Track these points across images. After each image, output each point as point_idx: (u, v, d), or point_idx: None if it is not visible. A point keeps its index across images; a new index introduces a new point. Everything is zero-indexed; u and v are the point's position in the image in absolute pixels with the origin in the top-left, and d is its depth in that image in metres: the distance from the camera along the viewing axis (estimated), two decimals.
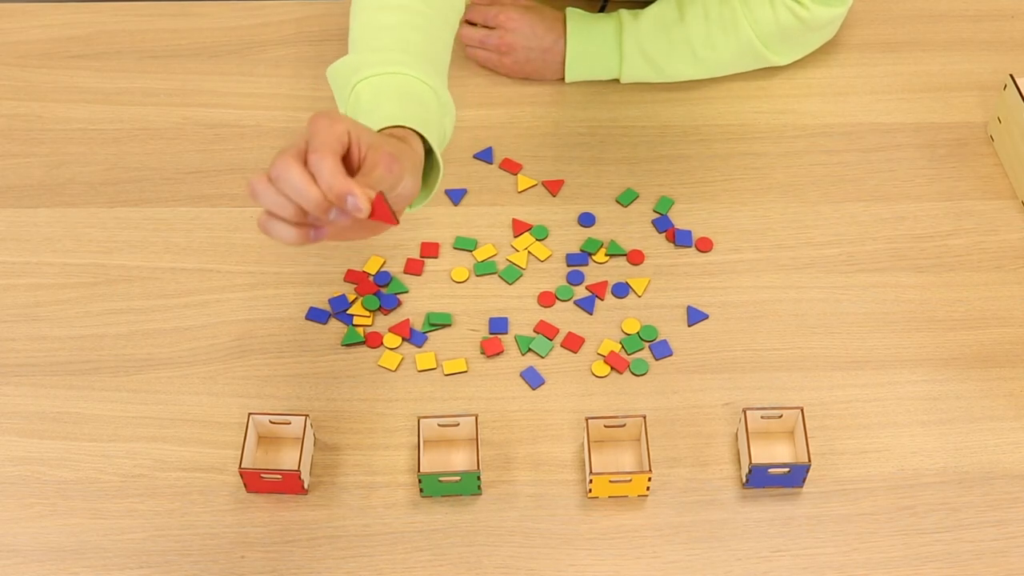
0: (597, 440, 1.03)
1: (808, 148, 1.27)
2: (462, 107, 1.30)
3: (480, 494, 1.01)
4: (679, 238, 1.18)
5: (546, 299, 1.14)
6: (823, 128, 1.29)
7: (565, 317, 1.13)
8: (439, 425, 1.01)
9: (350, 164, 0.83)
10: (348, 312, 1.12)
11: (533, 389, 1.08)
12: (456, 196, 1.22)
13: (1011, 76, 1.22)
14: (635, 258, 1.17)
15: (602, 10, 1.34)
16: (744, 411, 1.01)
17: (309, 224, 0.82)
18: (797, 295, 1.15)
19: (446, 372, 1.09)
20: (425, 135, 0.92)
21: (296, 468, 0.99)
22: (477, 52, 1.33)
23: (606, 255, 1.17)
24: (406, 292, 1.14)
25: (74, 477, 1.02)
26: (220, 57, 1.36)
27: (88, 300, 1.14)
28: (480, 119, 1.29)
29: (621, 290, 1.15)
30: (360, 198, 0.79)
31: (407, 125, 0.92)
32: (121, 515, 1.00)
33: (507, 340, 1.11)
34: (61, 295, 1.14)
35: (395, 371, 1.09)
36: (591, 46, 1.29)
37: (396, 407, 1.07)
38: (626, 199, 1.22)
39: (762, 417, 1.02)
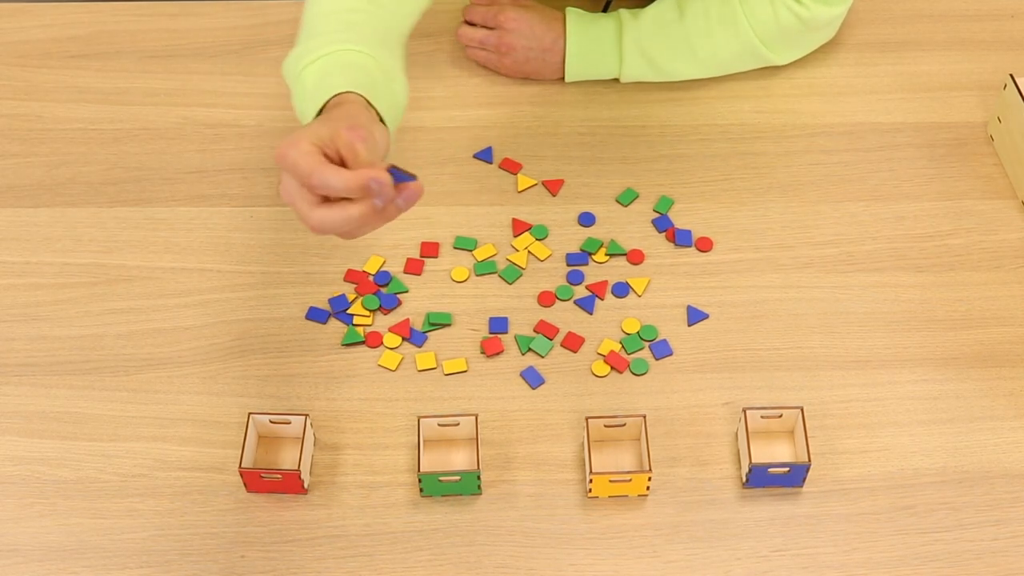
0: (597, 440, 1.03)
1: (808, 148, 1.27)
2: (462, 107, 1.31)
3: (480, 494, 1.01)
4: (679, 238, 1.18)
5: (546, 299, 1.14)
6: (823, 128, 1.29)
7: (565, 317, 1.13)
8: (439, 425, 1.01)
9: (332, 162, 0.87)
10: (348, 312, 1.12)
11: (533, 389, 1.08)
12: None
13: (1011, 76, 1.22)
14: (635, 258, 1.17)
15: (606, 10, 1.34)
16: (744, 411, 1.01)
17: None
18: (797, 295, 1.15)
19: (446, 372, 1.09)
20: (364, 94, 0.95)
21: (296, 468, 0.99)
22: (477, 52, 1.33)
23: (606, 255, 1.17)
24: (406, 292, 1.14)
25: (74, 477, 1.02)
26: (220, 57, 1.36)
27: (88, 300, 1.14)
28: (480, 119, 1.29)
29: (621, 290, 1.15)
30: (377, 175, 0.84)
31: (348, 90, 0.95)
32: (121, 515, 1.00)
33: (507, 340, 1.11)
34: (61, 295, 1.14)
35: (395, 371, 1.09)
36: (591, 46, 1.29)
37: (396, 407, 1.07)
38: (626, 199, 1.22)
39: (762, 417, 1.02)
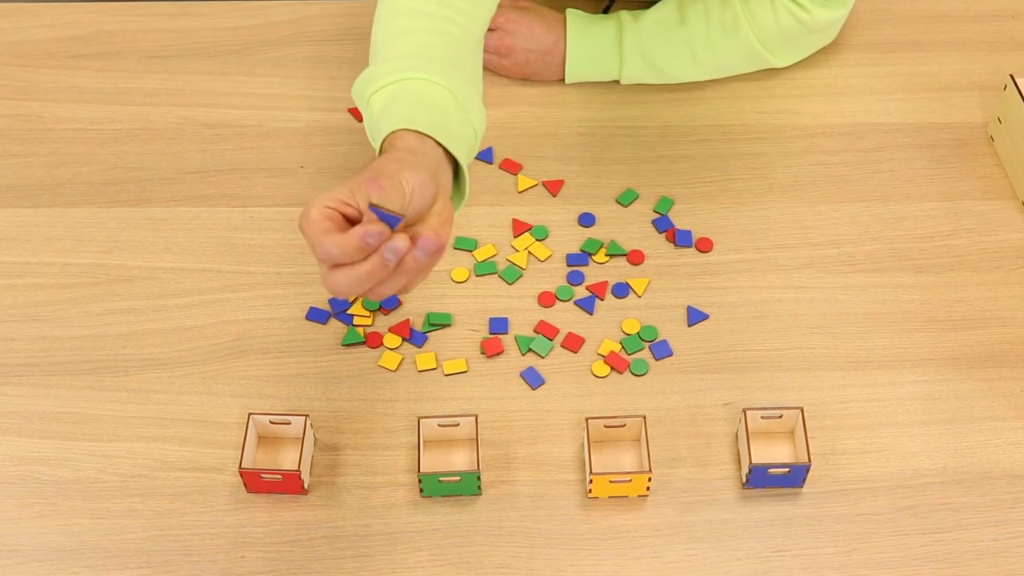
0: (597, 440, 1.03)
1: (808, 148, 1.27)
2: None
3: (480, 494, 1.01)
4: (679, 238, 1.18)
5: (546, 299, 1.14)
6: (823, 128, 1.29)
7: (565, 317, 1.13)
8: (439, 425, 1.01)
9: (356, 222, 0.84)
10: (348, 312, 1.12)
11: (533, 389, 1.08)
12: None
13: (1011, 76, 1.22)
14: (635, 258, 1.17)
15: (607, 11, 1.34)
16: (744, 411, 1.01)
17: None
18: (797, 295, 1.15)
19: (446, 372, 1.09)
20: (434, 135, 0.91)
21: (296, 468, 0.99)
22: None
23: (606, 255, 1.17)
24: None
25: (74, 477, 1.02)
26: (220, 57, 1.36)
27: (88, 300, 1.14)
28: None
29: (621, 290, 1.15)
30: (370, 228, 0.81)
31: (413, 128, 0.91)
32: (121, 515, 1.00)
33: (507, 340, 1.11)
34: (61, 295, 1.14)
35: (395, 371, 1.09)
36: (591, 47, 1.29)
37: (396, 407, 1.07)
38: (626, 199, 1.22)
39: (762, 417, 1.02)
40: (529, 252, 1.18)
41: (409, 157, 0.89)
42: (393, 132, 0.91)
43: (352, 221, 0.84)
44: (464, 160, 0.94)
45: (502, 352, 1.10)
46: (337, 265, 0.83)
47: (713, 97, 1.32)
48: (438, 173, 0.90)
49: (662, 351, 1.10)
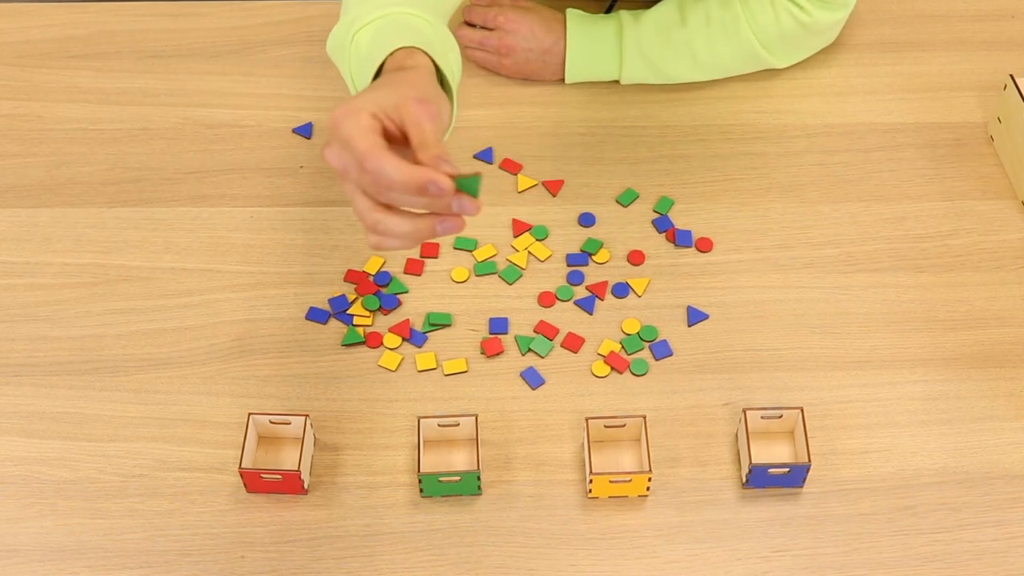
0: (597, 440, 1.03)
1: (808, 148, 1.27)
2: (462, 107, 1.29)
3: (480, 494, 1.01)
4: (679, 238, 1.18)
5: (546, 299, 1.14)
6: (823, 128, 1.29)
7: (565, 317, 1.13)
8: (439, 425, 1.01)
9: (391, 137, 0.81)
10: (348, 312, 1.12)
11: (533, 389, 1.08)
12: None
13: (1011, 76, 1.22)
14: (635, 258, 1.17)
15: (609, 11, 1.34)
16: (744, 411, 1.01)
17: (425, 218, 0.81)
18: (797, 295, 1.15)
19: (446, 372, 1.09)
20: (430, 53, 0.89)
21: (296, 468, 0.99)
22: (476, 54, 1.33)
23: (607, 255, 1.17)
24: (406, 292, 1.14)
25: (74, 477, 1.02)
26: (220, 57, 1.36)
27: (88, 300, 1.14)
28: (480, 119, 1.29)
29: (621, 290, 1.15)
30: (438, 180, 0.77)
31: (413, 47, 0.88)
32: (121, 515, 1.00)
33: (507, 340, 1.11)
34: (61, 295, 1.14)
35: (395, 371, 1.09)
36: (591, 47, 1.29)
37: (396, 407, 1.07)
38: (626, 199, 1.22)
39: (762, 417, 1.02)
40: (529, 252, 1.18)
41: (430, 78, 0.86)
42: (404, 48, 0.88)
43: (388, 137, 0.80)
44: (455, 94, 0.93)
45: (502, 352, 1.10)
46: (383, 206, 0.79)
47: (713, 97, 1.32)
48: (441, 93, 0.88)
49: (662, 351, 1.10)
